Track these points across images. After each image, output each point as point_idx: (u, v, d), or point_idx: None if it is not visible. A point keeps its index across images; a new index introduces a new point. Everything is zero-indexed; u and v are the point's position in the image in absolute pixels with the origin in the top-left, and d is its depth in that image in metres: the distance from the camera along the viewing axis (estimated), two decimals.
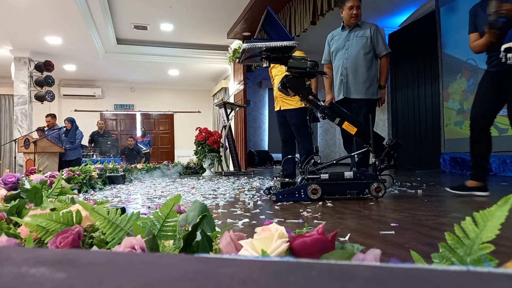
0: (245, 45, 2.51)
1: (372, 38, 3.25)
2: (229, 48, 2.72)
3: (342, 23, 3.39)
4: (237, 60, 2.74)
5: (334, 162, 2.86)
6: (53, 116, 7.02)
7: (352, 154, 2.86)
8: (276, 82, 4.31)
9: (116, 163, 5.19)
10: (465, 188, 2.55)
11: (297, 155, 3.84)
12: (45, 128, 6.97)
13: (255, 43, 2.49)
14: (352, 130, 2.63)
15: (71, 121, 6.96)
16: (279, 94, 4.20)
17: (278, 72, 4.32)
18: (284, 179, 2.60)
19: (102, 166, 4.04)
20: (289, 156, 3.77)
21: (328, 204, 2.24)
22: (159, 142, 12.04)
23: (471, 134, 2.61)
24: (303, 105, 4.12)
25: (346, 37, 3.34)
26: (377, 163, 2.54)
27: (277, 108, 4.30)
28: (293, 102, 4.18)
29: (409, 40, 6.87)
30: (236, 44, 2.64)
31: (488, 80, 2.56)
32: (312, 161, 2.62)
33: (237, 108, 6.75)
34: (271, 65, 4.40)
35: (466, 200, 2.41)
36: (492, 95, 2.51)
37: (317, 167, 2.60)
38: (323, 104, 2.65)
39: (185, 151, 10.38)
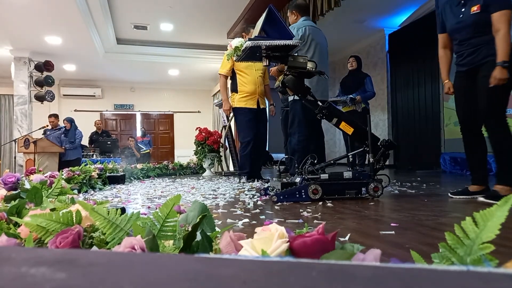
0: (248, 43, 2.49)
1: None
2: (228, 46, 2.70)
3: None
4: (234, 58, 2.72)
5: (332, 162, 2.86)
6: (56, 116, 7.09)
7: (348, 154, 2.86)
8: (253, 77, 4.27)
9: (116, 163, 5.19)
10: (468, 192, 2.48)
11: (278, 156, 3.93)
12: (47, 127, 6.99)
13: (259, 41, 2.48)
14: (349, 130, 2.63)
15: (70, 121, 6.98)
16: (260, 91, 4.25)
17: (250, 66, 4.25)
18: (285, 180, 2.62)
19: (102, 166, 4.03)
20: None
21: (328, 204, 2.24)
22: (159, 142, 12.03)
23: (463, 138, 2.58)
24: None
25: None
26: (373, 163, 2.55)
27: (253, 106, 4.32)
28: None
29: (409, 40, 6.86)
30: (237, 41, 2.63)
31: (459, 81, 2.54)
32: (309, 161, 2.62)
33: None
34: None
35: (466, 200, 2.40)
36: (469, 95, 2.46)
37: (315, 167, 2.60)
38: (321, 104, 2.65)
39: (185, 151, 10.36)
